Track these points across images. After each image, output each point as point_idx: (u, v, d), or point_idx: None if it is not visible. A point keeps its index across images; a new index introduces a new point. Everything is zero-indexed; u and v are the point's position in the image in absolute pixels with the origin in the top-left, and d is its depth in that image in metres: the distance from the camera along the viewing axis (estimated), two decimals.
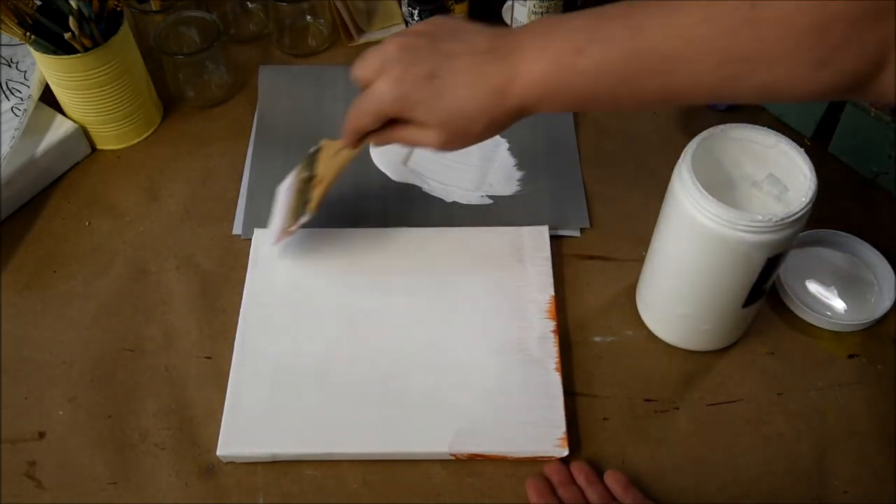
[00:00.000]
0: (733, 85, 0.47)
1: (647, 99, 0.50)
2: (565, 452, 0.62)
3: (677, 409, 0.66)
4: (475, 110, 0.53)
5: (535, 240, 0.74)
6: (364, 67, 0.56)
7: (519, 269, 0.72)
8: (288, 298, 0.71)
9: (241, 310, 0.70)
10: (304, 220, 0.68)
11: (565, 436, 0.63)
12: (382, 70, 0.54)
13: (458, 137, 0.54)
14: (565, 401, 0.65)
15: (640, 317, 0.71)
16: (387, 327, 0.69)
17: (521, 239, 0.74)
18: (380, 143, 0.60)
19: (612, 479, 0.61)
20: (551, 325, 0.68)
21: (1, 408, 0.66)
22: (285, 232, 0.70)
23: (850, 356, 0.69)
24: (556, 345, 0.67)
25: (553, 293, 0.70)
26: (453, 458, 0.63)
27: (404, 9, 0.93)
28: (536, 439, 0.63)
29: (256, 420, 0.64)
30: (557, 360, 0.67)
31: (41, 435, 0.65)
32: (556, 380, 0.66)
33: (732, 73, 0.47)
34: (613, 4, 0.50)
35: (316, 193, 0.68)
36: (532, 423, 0.63)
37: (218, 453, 0.62)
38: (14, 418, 0.66)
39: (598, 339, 0.70)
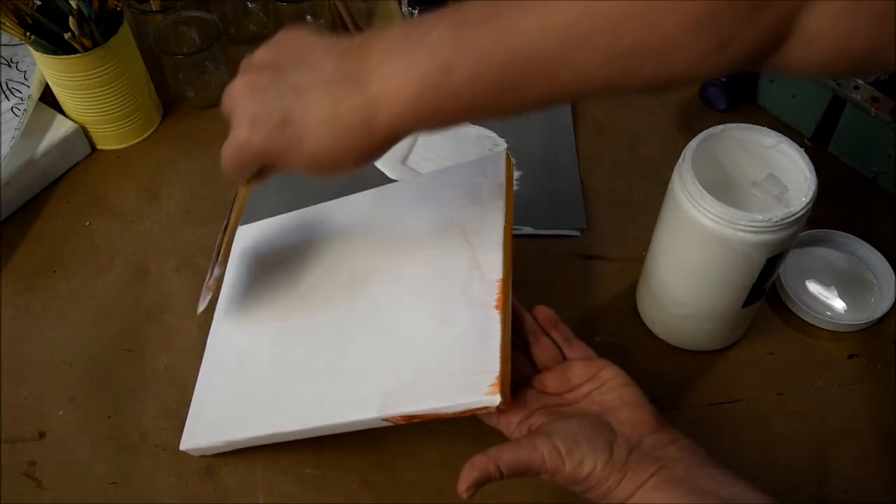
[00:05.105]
0: (625, 80, 0.43)
1: (531, 104, 0.46)
2: (498, 400, 0.51)
3: (677, 409, 0.66)
4: (340, 152, 0.48)
5: (490, 169, 0.65)
6: (223, 104, 0.52)
7: (470, 206, 0.63)
8: (249, 287, 0.69)
9: (217, 306, 0.69)
10: (218, 273, 0.63)
11: (498, 381, 0.52)
12: (234, 114, 0.50)
13: (329, 175, 0.50)
14: None
15: (640, 317, 0.71)
16: (338, 299, 0.64)
17: (474, 172, 0.66)
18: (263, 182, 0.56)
19: (556, 333, 0.59)
20: (499, 258, 0.59)
21: (1, 408, 0.66)
22: (207, 287, 0.64)
23: (850, 356, 0.69)
24: (501, 281, 0.57)
25: (505, 223, 0.61)
26: (389, 423, 0.56)
27: (404, 9, 0.93)
28: (465, 388, 0.53)
29: (214, 411, 0.63)
30: (499, 296, 0.56)
31: (41, 435, 0.65)
32: (494, 319, 0.55)
33: (622, 68, 0.42)
34: (473, 3, 0.45)
35: (225, 242, 0.62)
36: (462, 372, 0.54)
37: (181, 448, 0.62)
38: (14, 418, 0.66)
39: (598, 339, 0.70)
